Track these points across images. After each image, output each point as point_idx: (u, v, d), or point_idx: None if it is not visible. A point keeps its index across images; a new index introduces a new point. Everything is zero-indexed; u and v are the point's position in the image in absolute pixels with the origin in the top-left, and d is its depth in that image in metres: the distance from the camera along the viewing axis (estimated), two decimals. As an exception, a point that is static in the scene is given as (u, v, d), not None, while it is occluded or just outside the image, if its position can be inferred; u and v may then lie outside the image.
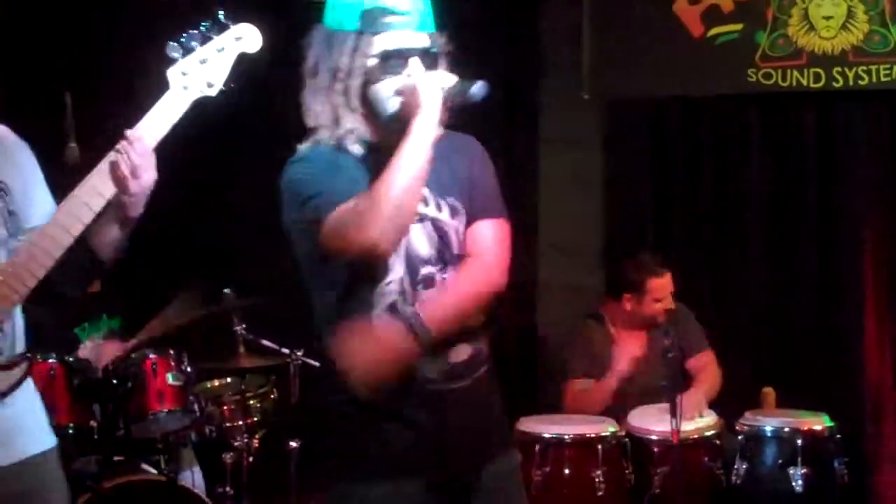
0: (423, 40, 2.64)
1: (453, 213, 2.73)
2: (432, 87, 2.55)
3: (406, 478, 2.65)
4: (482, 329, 2.78)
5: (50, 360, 4.32)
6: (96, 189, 2.61)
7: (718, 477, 4.68)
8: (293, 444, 5.00)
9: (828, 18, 5.77)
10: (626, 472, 4.62)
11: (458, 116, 2.65)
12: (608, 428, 4.66)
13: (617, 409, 4.95)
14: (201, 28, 2.66)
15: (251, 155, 5.88)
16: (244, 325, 5.00)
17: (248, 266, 5.63)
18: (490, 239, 2.76)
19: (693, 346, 5.22)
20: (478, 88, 2.55)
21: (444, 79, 2.59)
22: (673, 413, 4.32)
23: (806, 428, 4.68)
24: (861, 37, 5.74)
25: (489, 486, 2.73)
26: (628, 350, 4.97)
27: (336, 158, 2.66)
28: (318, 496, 5.30)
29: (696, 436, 4.68)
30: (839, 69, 5.75)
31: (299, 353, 5.07)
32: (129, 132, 2.60)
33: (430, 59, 2.64)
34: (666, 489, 4.58)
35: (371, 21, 2.59)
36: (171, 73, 2.65)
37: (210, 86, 2.66)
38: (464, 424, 2.69)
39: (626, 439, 4.68)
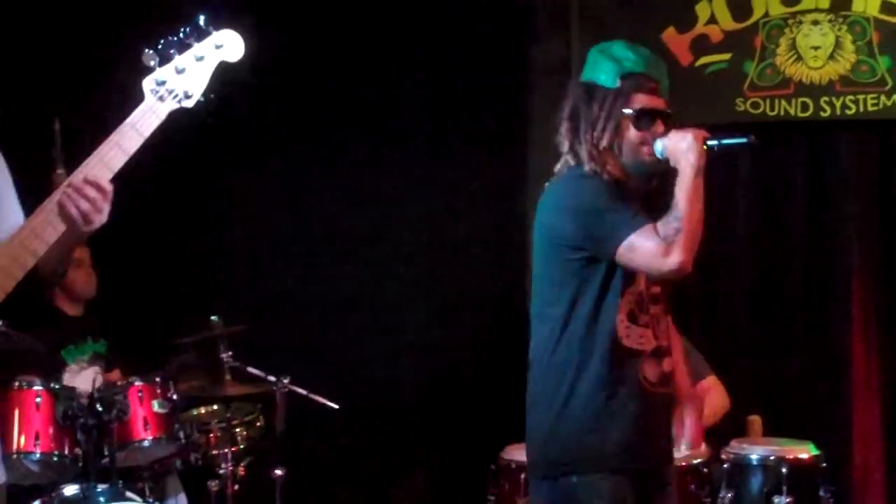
0: (665, 105, 3.24)
1: None
2: (694, 142, 3.09)
3: (623, 465, 3.17)
4: None
5: (35, 388, 4.33)
6: (49, 222, 2.49)
7: (706, 504, 4.66)
8: (278, 472, 5.01)
9: (815, 48, 5.81)
10: (612, 500, 4.60)
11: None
12: (594, 456, 4.64)
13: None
14: (180, 34, 2.53)
15: (239, 182, 5.93)
16: (231, 353, 5.01)
17: (234, 294, 5.65)
18: None
19: (697, 372, 5.22)
20: (753, 139, 3.16)
21: (702, 134, 3.12)
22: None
23: (791, 456, 4.66)
24: (849, 66, 5.78)
25: (668, 482, 3.34)
26: None
27: (605, 186, 3.17)
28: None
29: (683, 463, 4.66)
30: (827, 99, 5.79)
31: (286, 381, 5.08)
32: (75, 179, 2.47)
33: (668, 119, 3.22)
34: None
35: (632, 83, 3.19)
36: (146, 83, 2.51)
37: (188, 96, 2.52)
38: (663, 425, 3.31)
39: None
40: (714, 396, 5.18)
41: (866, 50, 5.76)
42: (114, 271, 5.39)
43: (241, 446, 5.12)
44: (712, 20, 5.90)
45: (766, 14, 5.85)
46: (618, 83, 3.20)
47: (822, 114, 5.79)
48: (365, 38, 5.91)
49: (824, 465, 4.70)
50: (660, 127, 3.20)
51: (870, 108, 5.75)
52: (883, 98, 5.74)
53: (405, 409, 5.86)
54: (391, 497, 5.67)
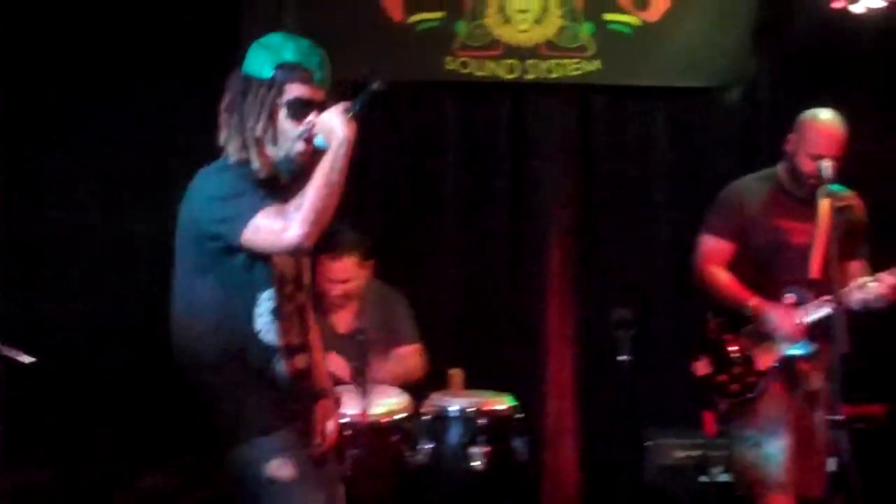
0: (321, 95, 3.24)
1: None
2: (338, 116, 3.09)
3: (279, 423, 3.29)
4: None
5: None
6: None
7: (406, 457, 4.74)
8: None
9: (523, 12, 5.96)
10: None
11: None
12: (298, 410, 4.64)
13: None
14: None
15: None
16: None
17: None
18: None
19: (399, 335, 5.27)
20: (379, 85, 3.13)
21: (343, 106, 3.12)
22: (363, 394, 4.38)
23: (488, 408, 4.82)
24: (554, 31, 5.97)
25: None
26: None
27: (245, 174, 3.19)
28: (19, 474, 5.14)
29: (385, 419, 4.73)
30: (533, 62, 5.96)
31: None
32: None
33: (322, 110, 3.18)
34: (355, 470, 4.60)
35: (285, 73, 3.20)
36: None
37: None
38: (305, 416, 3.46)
39: (316, 421, 4.67)
40: (406, 360, 5.28)
41: (570, 16, 5.95)
42: None
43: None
44: (426, -23, 5.96)
45: (477, -25, 5.96)
46: (272, 73, 3.22)
47: (528, 76, 5.96)
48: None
49: (520, 416, 4.89)
50: (315, 117, 3.20)
51: (571, 73, 5.96)
52: (584, 63, 5.95)
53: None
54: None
